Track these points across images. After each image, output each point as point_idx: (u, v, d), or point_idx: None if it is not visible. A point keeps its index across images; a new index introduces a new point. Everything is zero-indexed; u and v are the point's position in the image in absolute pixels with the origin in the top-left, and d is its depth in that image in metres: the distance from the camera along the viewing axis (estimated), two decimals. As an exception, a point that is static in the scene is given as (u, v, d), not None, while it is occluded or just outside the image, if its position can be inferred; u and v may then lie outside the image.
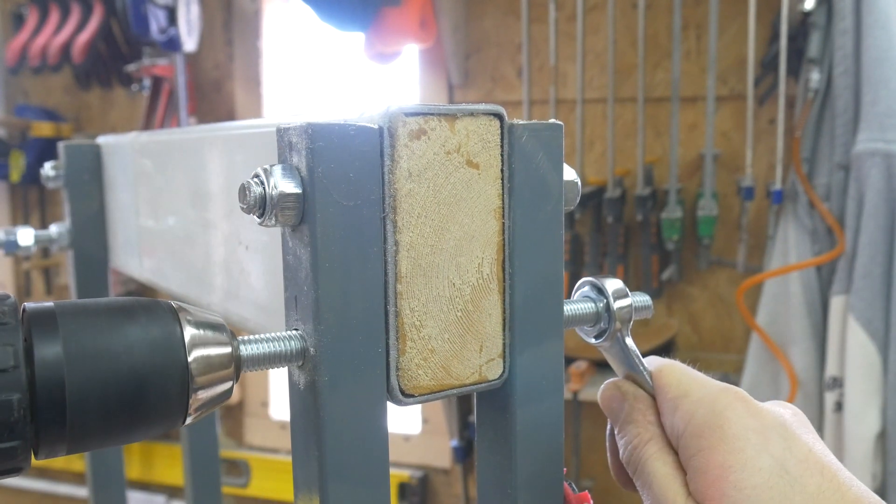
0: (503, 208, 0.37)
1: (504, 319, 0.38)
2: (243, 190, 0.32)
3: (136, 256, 0.72)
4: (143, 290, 2.29)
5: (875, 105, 1.46)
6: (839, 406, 1.52)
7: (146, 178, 0.67)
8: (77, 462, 2.35)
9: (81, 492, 2.46)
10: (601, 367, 1.88)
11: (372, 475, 0.35)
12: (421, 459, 2.19)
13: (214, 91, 2.27)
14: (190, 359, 0.31)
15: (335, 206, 0.32)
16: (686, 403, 0.38)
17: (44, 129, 2.29)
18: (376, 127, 0.33)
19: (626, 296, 0.42)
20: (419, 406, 0.32)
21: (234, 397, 2.33)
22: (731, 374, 1.81)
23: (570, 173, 0.39)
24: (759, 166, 1.78)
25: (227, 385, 0.32)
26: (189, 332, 0.31)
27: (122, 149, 0.73)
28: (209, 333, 0.32)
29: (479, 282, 0.37)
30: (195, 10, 2.05)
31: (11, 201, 2.53)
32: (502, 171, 0.37)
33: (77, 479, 2.50)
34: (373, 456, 0.35)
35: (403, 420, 2.22)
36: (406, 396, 0.35)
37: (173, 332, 0.31)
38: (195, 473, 0.89)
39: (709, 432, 0.36)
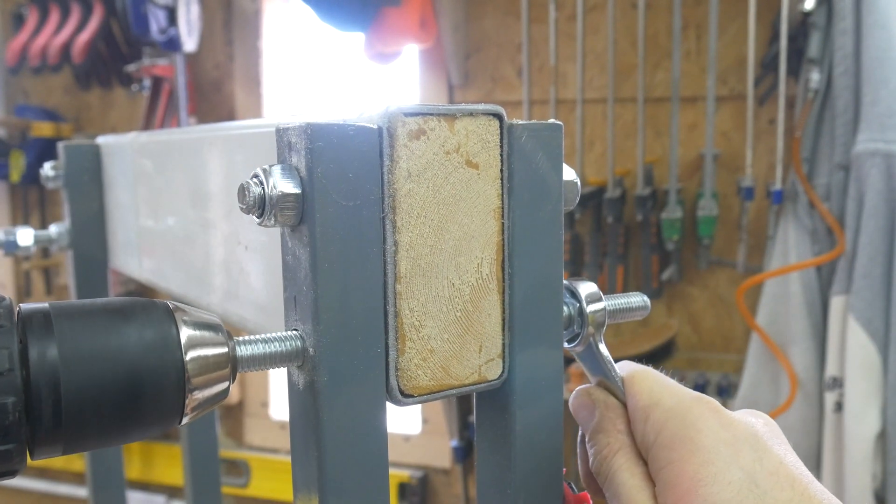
0: (503, 208, 0.37)
1: (503, 319, 0.38)
2: (242, 190, 0.32)
3: (135, 256, 0.72)
4: (142, 290, 2.29)
5: (875, 105, 1.46)
6: (839, 406, 1.52)
7: (146, 178, 0.67)
8: (77, 462, 2.35)
9: (81, 492, 2.46)
10: (601, 367, 1.87)
11: (372, 475, 0.35)
12: (421, 459, 2.19)
13: (214, 91, 2.27)
14: (186, 359, 0.31)
15: (334, 207, 0.32)
16: (657, 412, 0.37)
17: (44, 129, 2.29)
18: (375, 127, 0.33)
19: (599, 300, 0.41)
20: (419, 406, 0.32)
21: (234, 397, 2.33)
22: (731, 375, 1.81)
23: (569, 173, 0.39)
24: (759, 166, 1.78)
25: (224, 385, 0.32)
26: (185, 333, 0.31)
27: (122, 149, 0.73)
28: (206, 334, 0.32)
29: (479, 282, 0.37)
30: (195, 10, 2.05)
31: (11, 201, 2.53)
32: (502, 171, 0.37)
33: (77, 479, 2.50)
34: (372, 456, 0.34)
35: (403, 420, 2.22)
36: (405, 397, 0.35)
37: (169, 332, 0.31)
38: (195, 473, 0.89)
39: (679, 444, 0.36)
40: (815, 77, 1.55)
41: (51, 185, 0.79)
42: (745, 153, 1.69)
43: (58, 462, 2.44)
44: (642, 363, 0.42)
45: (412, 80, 2.09)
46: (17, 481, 2.53)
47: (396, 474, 2.16)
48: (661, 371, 0.41)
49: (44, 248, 0.80)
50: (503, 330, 0.38)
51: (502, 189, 0.37)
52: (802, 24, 1.59)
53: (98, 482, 0.88)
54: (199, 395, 0.31)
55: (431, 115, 0.34)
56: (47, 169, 0.79)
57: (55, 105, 2.45)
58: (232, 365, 0.32)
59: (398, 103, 0.34)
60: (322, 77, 2.31)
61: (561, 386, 0.40)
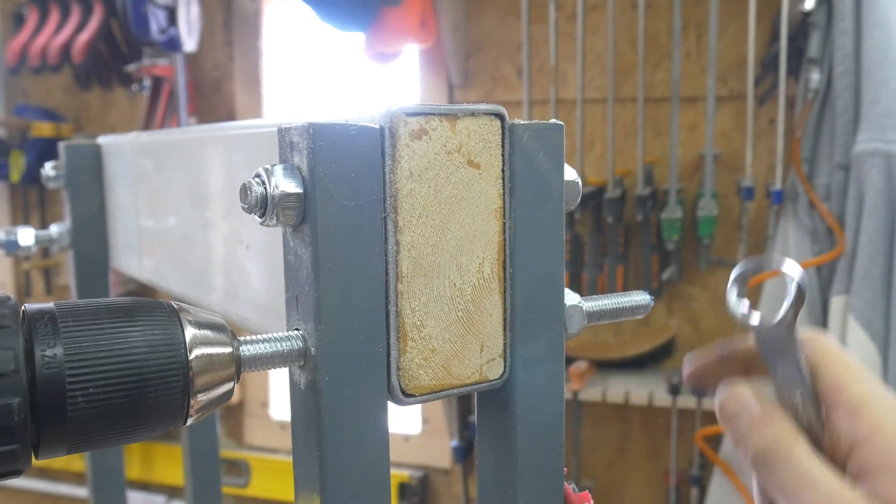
0: (504, 208, 0.37)
1: (505, 319, 0.38)
2: (245, 190, 0.32)
3: (136, 256, 0.72)
4: (143, 290, 2.29)
5: (875, 105, 1.46)
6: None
7: (146, 178, 0.67)
8: (77, 462, 2.35)
9: (81, 492, 2.46)
10: (601, 367, 1.88)
11: (372, 475, 0.35)
12: (421, 459, 2.19)
13: (214, 91, 2.27)
14: (191, 358, 0.31)
15: (336, 206, 0.32)
16: (875, 410, 0.34)
17: (44, 129, 2.29)
18: (377, 127, 0.33)
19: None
20: (419, 406, 0.32)
21: (235, 397, 2.33)
22: (731, 374, 1.81)
23: (570, 173, 0.39)
24: (759, 166, 1.78)
25: (229, 386, 0.32)
26: (190, 333, 0.31)
27: (123, 149, 0.73)
28: (210, 333, 0.32)
29: (480, 281, 0.37)
30: (195, 10, 2.05)
31: (11, 201, 2.53)
32: (503, 171, 0.37)
33: (77, 479, 2.50)
34: (373, 456, 0.35)
35: (403, 420, 2.22)
36: (407, 396, 0.35)
37: (174, 332, 0.31)
38: (195, 473, 0.89)
39: None
40: (815, 77, 1.55)
41: (52, 185, 0.79)
42: (745, 153, 1.69)
43: (58, 462, 2.44)
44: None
45: (412, 80, 2.09)
46: (18, 481, 2.53)
47: (396, 474, 2.16)
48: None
49: (44, 248, 0.80)
50: (504, 329, 0.38)
51: (504, 189, 0.37)
52: (802, 24, 1.59)
53: (98, 482, 0.88)
54: (204, 395, 0.31)
55: (433, 114, 0.34)
56: (48, 169, 0.78)
57: (55, 105, 2.45)
58: (236, 365, 0.32)
59: (400, 103, 0.34)
60: (322, 77, 2.32)
61: (562, 386, 0.40)
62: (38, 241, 0.79)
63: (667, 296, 1.90)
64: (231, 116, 2.22)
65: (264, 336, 0.33)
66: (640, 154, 1.75)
